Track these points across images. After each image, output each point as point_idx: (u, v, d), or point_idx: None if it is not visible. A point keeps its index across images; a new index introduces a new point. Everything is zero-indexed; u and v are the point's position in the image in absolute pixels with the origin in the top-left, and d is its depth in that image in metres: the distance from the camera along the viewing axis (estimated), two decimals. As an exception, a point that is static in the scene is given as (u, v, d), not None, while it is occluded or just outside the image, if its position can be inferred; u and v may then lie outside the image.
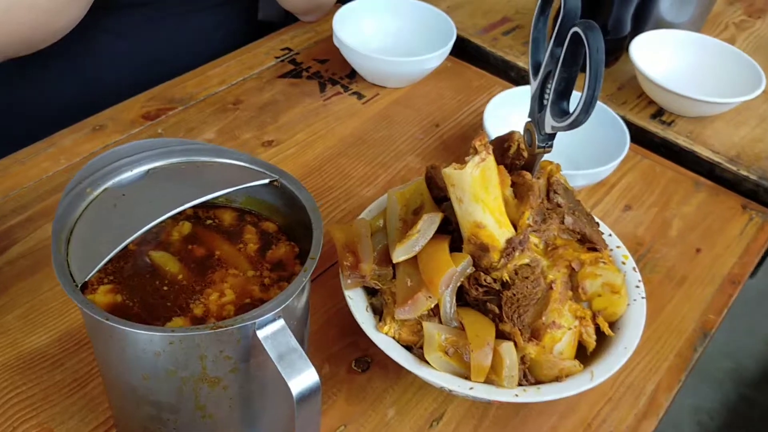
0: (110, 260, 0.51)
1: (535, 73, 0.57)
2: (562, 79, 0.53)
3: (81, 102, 0.94)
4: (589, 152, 0.84)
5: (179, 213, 0.55)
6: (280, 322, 0.46)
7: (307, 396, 0.45)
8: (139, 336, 0.44)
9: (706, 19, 1.10)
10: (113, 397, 0.54)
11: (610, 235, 0.70)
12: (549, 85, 0.56)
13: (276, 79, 0.98)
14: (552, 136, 0.58)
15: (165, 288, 0.51)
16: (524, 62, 1.04)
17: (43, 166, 0.81)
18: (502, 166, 0.60)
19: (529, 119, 0.60)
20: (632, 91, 1.00)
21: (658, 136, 0.93)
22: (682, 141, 0.92)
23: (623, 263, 0.67)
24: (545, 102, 0.57)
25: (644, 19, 1.03)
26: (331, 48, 1.01)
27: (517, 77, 1.03)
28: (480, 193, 0.57)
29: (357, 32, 0.99)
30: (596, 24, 0.49)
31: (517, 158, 0.64)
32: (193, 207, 0.56)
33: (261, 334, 0.45)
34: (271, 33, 1.06)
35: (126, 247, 0.48)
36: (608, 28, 1.00)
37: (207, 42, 1.05)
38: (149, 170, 0.53)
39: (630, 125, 0.92)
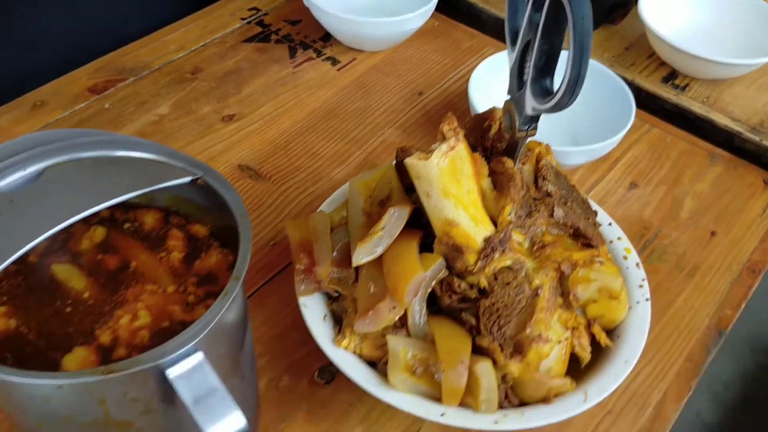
0: (4, 276, 0.44)
1: (513, 42, 0.47)
2: (543, 52, 0.43)
3: (18, 76, 0.84)
4: (589, 123, 0.75)
5: (92, 216, 0.47)
6: (198, 356, 0.38)
7: (232, 448, 0.37)
8: (18, 382, 0.36)
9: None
10: (19, 435, 0.47)
11: (610, 224, 0.61)
12: (529, 59, 0.46)
13: (240, 44, 0.88)
14: (535, 118, 0.48)
15: (68, 309, 0.43)
16: (519, 19, 0.93)
17: (-27, 149, 0.72)
18: (477, 154, 0.50)
19: (509, 97, 0.50)
20: (641, 52, 0.89)
21: (670, 102, 0.83)
22: (697, 107, 0.82)
23: (625, 258, 0.58)
24: (525, 78, 0.47)
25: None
26: (304, 6, 0.91)
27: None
28: (450, 187, 0.48)
29: (332, -11, 0.88)
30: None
31: (498, 140, 0.55)
32: (110, 208, 0.48)
33: (173, 372, 0.37)
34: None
35: (23, 259, 0.40)
36: (614, -22, 0.89)
37: (163, 3, 0.95)
38: (45, 169, 0.44)
39: (638, 90, 0.82)
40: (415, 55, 0.88)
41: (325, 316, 0.53)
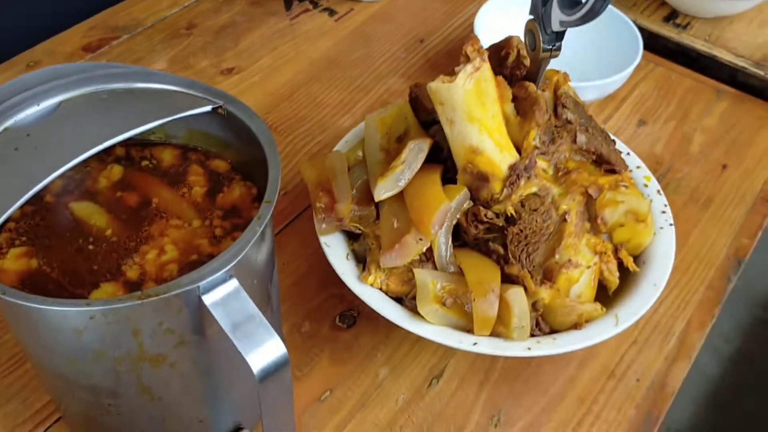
0: (21, 216, 0.42)
1: (537, -45, 0.46)
2: (573, -44, 0.42)
3: (10, 36, 0.82)
4: (596, 61, 0.74)
5: (106, 153, 0.45)
6: (233, 283, 0.36)
7: (272, 373, 0.36)
8: (48, 312, 0.35)
9: None
10: (45, 382, 0.45)
11: (628, 153, 0.60)
12: (555, -31, 0.45)
13: (235, -2, 0.86)
14: (560, 36, 0.47)
15: (90, 247, 0.41)
16: (517, -35, 0.92)
17: (-33, 110, 0.70)
18: (500, 78, 0.49)
19: (531, 17, 0.49)
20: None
21: (672, 40, 0.82)
22: (700, 45, 0.81)
23: (645, 186, 0.58)
24: (551, -9, 0.46)
25: None
26: (297, -40, 0.89)
27: (510, -18, 0.91)
28: (475, 110, 0.47)
29: (325, -61, 0.86)
30: None
31: (516, 68, 0.54)
32: (125, 145, 0.46)
33: (208, 299, 0.36)
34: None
35: (40, 198, 0.38)
36: None
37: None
38: (61, 102, 0.42)
39: (641, 30, 0.81)
40: (413, 3, 0.87)
41: (347, 254, 0.52)
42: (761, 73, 0.78)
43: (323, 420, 0.51)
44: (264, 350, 0.36)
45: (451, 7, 0.86)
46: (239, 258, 0.36)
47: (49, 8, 0.86)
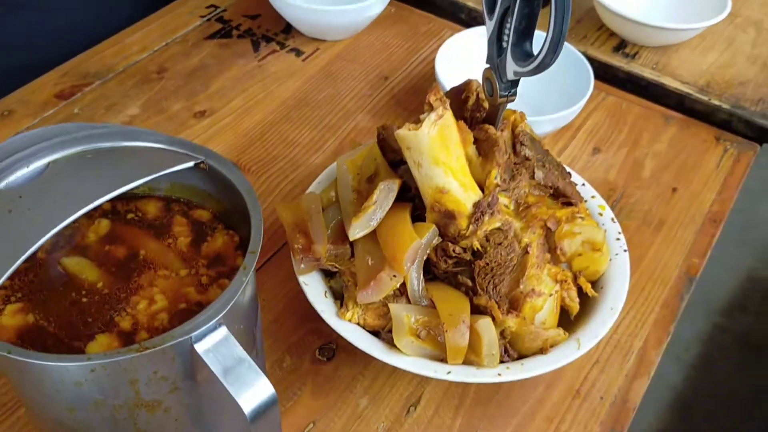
0: (15, 274, 0.44)
1: (491, 11, 0.50)
2: (523, 16, 0.46)
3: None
4: (550, 95, 0.78)
5: (94, 210, 0.48)
6: (222, 331, 0.39)
7: (263, 412, 0.39)
8: (51, 368, 0.37)
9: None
10: (42, 429, 0.47)
11: (583, 184, 0.64)
12: (508, 25, 0.49)
13: (203, 41, 0.88)
14: (515, 83, 0.51)
15: (84, 300, 0.43)
16: (474, 1, 0.96)
17: (-56, 162, 0.71)
18: (461, 122, 0.53)
19: (488, 66, 0.53)
20: (591, 24, 0.93)
21: (622, 70, 0.87)
22: (648, 73, 0.86)
23: (600, 215, 0.62)
24: (504, 45, 0.50)
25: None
26: (262, 1, 0.92)
27: (468, 19, 0.95)
28: (440, 154, 0.51)
29: (289, -18, 0.90)
30: (558, -53, 0.42)
31: (476, 110, 0.57)
32: (111, 200, 0.49)
33: (200, 348, 0.39)
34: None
35: (32, 256, 0.40)
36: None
37: (120, 6, 0.95)
38: (49, 163, 0.45)
39: (592, 61, 0.86)
40: (376, 41, 0.90)
41: (325, 292, 0.55)
42: (705, 98, 0.83)
43: (308, 451, 0.54)
44: (254, 392, 0.39)
45: (412, 44, 0.90)
46: (229, 306, 0.39)
47: (18, 58, 0.88)
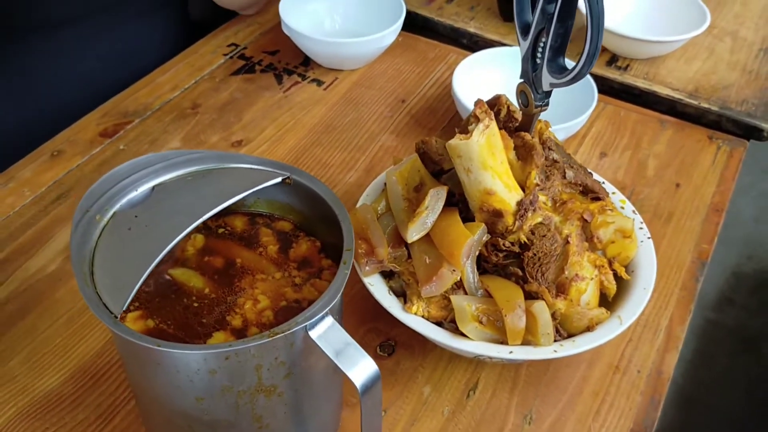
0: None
1: (524, 33, 0.57)
2: (558, 35, 0.53)
3: (26, 131, 0.88)
4: (557, 108, 0.85)
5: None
6: (329, 320, 0.45)
7: (370, 386, 0.45)
8: (192, 357, 0.42)
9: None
10: (156, 426, 0.52)
11: (604, 182, 0.71)
12: (541, 44, 0.56)
13: (229, 77, 0.95)
14: (549, 94, 0.58)
15: (196, 305, 0.49)
16: (474, 27, 1.04)
17: (7, 202, 0.76)
18: (503, 131, 0.60)
19: (521, 80, 0.60)
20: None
21: (616, 81, 0.95)
22: (640, 83, 0.95)
23: (622, 208, 0.69)
24: (539, 61, 0.57)
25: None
26: (279, 37, 0.99)
27: (470, 43, 1.03)
28: (488, 160, 0.57)
29: (305, 18, 0.97)
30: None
31: (508, 121, 0.64)
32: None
33: (314, 334, 0.44)
34: (210, 32, 1.03)
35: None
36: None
37: (146, 51, 1.01)
38: (154, 187, 0.51)
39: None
40: (389, 68, 0.97)
41: (388, 291, 0.61)
42: (695, 102, 0.92)
43: (385, 436, 0.59)
44: (362, 368, 0.44)
45: (422, 69, 0.97)
46: (336, 299, 0.45)
47: (58, 101, 0.93)
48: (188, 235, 0.53)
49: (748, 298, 1.88)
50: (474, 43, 1.03)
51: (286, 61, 0.98)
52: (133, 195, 0.50)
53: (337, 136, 0.87)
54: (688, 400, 1.65)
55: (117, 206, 0.49)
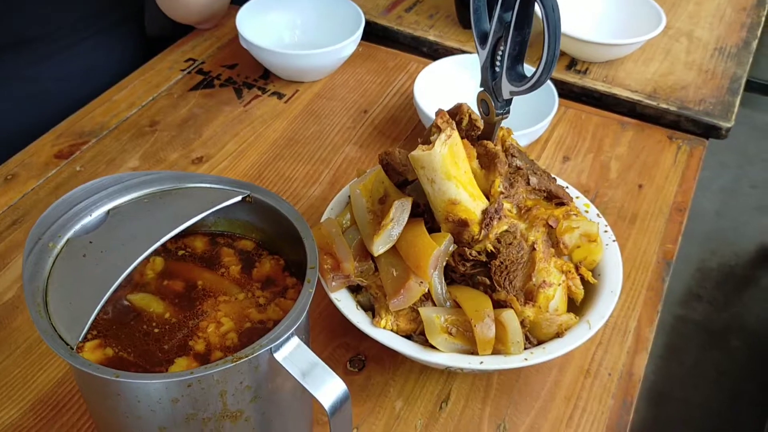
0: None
1: (482, 42, 0.57)
2: (516, 43, 0.53)
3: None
4: (519, 113, 0.85)
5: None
6: (295, 340, 0.44)
7: (339, 406, 0.44)
8: (153, 387, 0.41)
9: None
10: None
11: (567, 187, 0.71)
12: (500, 52, 0.56)
13: (188, 92, 0.93)
14: (509, 102, 0.58)
15: (156, 330, 0.48)
16: (434, 35, 1.04)
17: (-40, 229, 0.74)
18: (465, 140, 0.59)
19: (482, 89, 0.59)
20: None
21: (576, 85, 0.96)
22: (600, 86, 0.95)
23: (586, 212, 0.69)
24: (497, 69, 0.57)
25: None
26: (238, 51, 0.98)
27: (430, 51, 1.03)
28: (451, 170, 0.57)
29: (262, 30, 0.96)
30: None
31: (470, 130, 0.64)
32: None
33: (279, 356, 0.43)
34: (168, 47, 1.01)
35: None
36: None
37: (103, 68, 0.99)
38: (109, 211, 0.49)
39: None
40: (350, 79, 0.97)
41: (356, 305, 0.60)
42: (654, 104, 0.93)
43: (358, 453, 0.58)
44: (330, 389, 0.44)
45: (383, 78, 0.97)
46: (300, 320, 0.44)
47: (9, 124, 0.91)
48: (147, 259, 0.52)
49: (714, 292, 1.91)
50: (434, 51, 1.03)
51: (245, 74, 0.97)
52: (87, 220, 0.48)
53: (300, 149, 0.86)
54: (659, 395, 1.67)
55: (71, 232, 0.47)
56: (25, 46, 0.90)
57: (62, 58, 0.95)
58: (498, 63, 0.56)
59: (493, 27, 0.55)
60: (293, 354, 0.44)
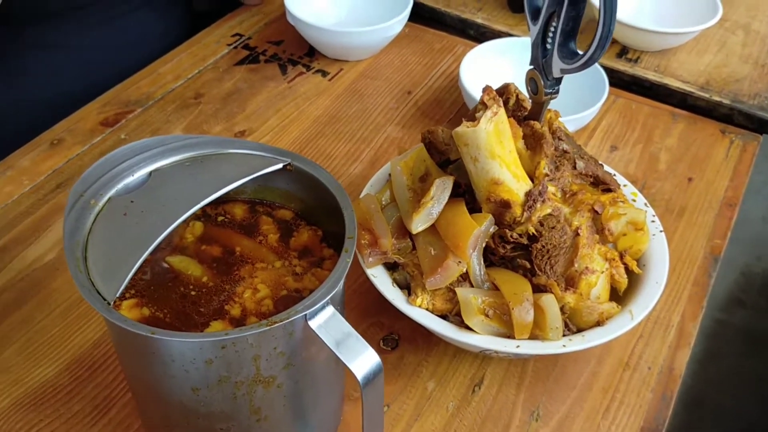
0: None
1: (534, 18, 0.55)
2: (570, 18, 0.52)
3: (26, 119, 0.87)
4: (567, 99, 0.83)
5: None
6: (330, 309, 0.43)
7: (372, 378, 0.43)
8: (188, 345, 0.41)
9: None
10: (153, 418, 0.51)
11: (615, 174, 0.69)
12: (551, 29, 0.54)
13: (233, 67, 0.93)
14: (559, 81, 0.56)
15: (193, 293, 0.47)
16: (482, 18, 1.02)
17: (5, 191, 0.75)
18: (512, 119, 0.58)
19: (531, 67, 0.58)
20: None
21: (627, 74, 0.93)
22: (651, 75, 0.93)
23: (633, 201, 0.67)
24: (549, 46, 0.55)
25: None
26: (284, 28, 0.98)
27: (477, 34, 1.01)
28: (496, 148, 0.56)
29: (310, 7, 0.95)
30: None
31: (517, 110, 0.62)
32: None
33: (314, 323, 0.43)
34: (214, 23, 1.01)
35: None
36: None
37: (148, 41, 0.99)
38: (152, 172, 0.49)
39: (599, 66, 0.92)
40: (395, 59, 0.96)
41: (392, 283, 0.59)
42: (707, 96, 0.90)
43: (387, 430, 0.58)
44: (363, 360, 0.43)
45: (429, 60, 0.96)
46: (336, 288, 0.43)
47: (58, 91, 0.92)
48: (187, 222, 0.52)
49: (758, 298, 1.86)
50: (481, 35, 1.01)
51: (290, 51, 0.96)
52: (129, 180, 0.48)
53: (342, 128, 0.85)
54: (695, 400, 1.63)
55: (113, 191, 0.47)
56: (70, 14, 0.90)
57: (108, 28, 0.95)
58: (550, 39, 0.54)
59: (547, 1, 0.53)
60: (328, 322, 0.43)
